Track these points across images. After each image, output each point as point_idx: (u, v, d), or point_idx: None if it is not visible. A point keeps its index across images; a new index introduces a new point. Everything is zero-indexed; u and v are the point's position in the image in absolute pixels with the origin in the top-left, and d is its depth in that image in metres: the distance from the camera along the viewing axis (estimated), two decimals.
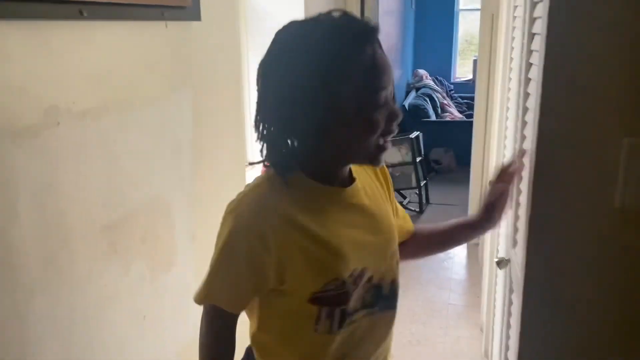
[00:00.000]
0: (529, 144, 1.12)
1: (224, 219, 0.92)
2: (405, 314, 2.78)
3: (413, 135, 4.25)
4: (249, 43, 2.60)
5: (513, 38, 1.78)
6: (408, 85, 6.56)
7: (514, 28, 1.75)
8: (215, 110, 1.73)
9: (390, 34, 5.41)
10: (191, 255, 1.58)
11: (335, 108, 0.86)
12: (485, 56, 3.24)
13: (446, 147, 5.35)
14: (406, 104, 5.63)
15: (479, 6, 3.63)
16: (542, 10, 0.96)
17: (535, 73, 1.03)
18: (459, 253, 3.62)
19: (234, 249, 0.92)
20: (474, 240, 3.62)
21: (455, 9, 7.09)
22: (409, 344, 2.57)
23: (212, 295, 0.95)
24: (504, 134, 1.96)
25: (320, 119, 0.87)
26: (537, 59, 0.97)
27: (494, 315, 2.08)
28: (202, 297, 0.95)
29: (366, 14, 3.61)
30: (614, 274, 0.92)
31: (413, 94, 6.02)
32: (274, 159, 0.93)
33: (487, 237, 2.93)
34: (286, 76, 0.87)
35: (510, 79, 1.83)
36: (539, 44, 0.97)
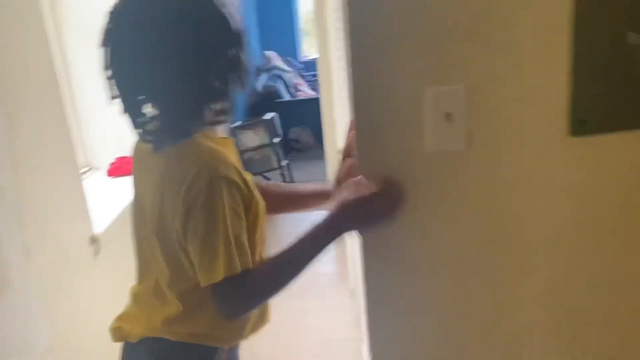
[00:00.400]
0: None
1: (209, 179, 0.98)
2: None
3: (268, 116, 4.27)
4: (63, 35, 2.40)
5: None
6: (258, 68, 6.56)
7: None
8: (33, 113, 1.58)
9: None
10: (29, 273, 1.44)
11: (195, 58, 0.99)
12: (322, 32, 3.32)
13: (303, 125, 5.46)
14: (259, 86, 5.63)
15: None
16: None
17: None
18: None
19: (234, 209, 1.01)
20: None
21: None
22: (289, 320, 2.61)
23: (234, 263, 1.00)
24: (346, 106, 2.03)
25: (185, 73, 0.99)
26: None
27: (359, 276, 2.18)
28: (226, 269, 0.98)
29: None
30: (428, 216, 0.99)
31: (264, 76, 6.03)
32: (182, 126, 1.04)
33: None
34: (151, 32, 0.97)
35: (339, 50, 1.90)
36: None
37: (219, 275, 0.99)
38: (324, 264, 3.16)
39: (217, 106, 1.06)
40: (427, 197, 0.98)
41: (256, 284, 1.04)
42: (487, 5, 0.88)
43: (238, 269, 1.00)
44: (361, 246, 1.03)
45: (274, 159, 4.25)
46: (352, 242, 2.45)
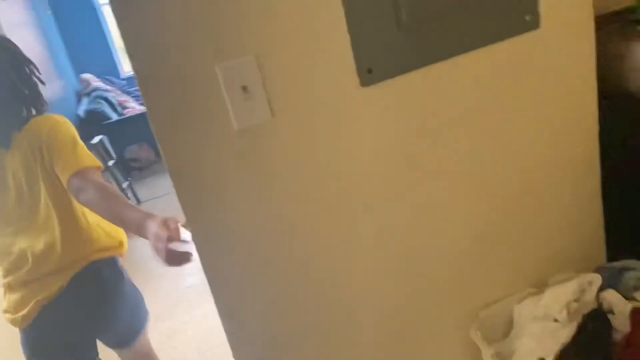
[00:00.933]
0: None
1: (62, 122, 1.57)
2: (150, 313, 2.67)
3: (95, 141, 3.99)
4: None
5: None
6: (77, 93, 6.10)
7: None
8: None
9: (32, 47, 4.89)
10: None
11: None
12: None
13: (139, 142, 5.20)
14: (80, 112, 5.24)
15: None
16: None
17: None
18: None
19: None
20: None
21: (95, 4, 6.75)
22: (163, 342, 2.48)
23: (94, 158, 1.54)
24: None
25: None
26: None
27: None
28: (89, 161, 1.51)
29: None
30: (257, 195, 0.99)
31: (85, 100, 5.62)
32: None
33: None
34: None
35: None
36: None
37: (83, 163, 1.47)
38: (188, 277, 3.05)
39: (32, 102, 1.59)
40: (246, 172, 0.98)
41: (103, 185, 1.44)
42: None
43: (98, 162, 1.53)
44: (192, 238, 1.00)
45: (113, 182, 4.00)
46: None
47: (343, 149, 1.02)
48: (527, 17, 1.07)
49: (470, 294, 1.22)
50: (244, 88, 0.93)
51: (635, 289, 1.17)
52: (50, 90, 5.00)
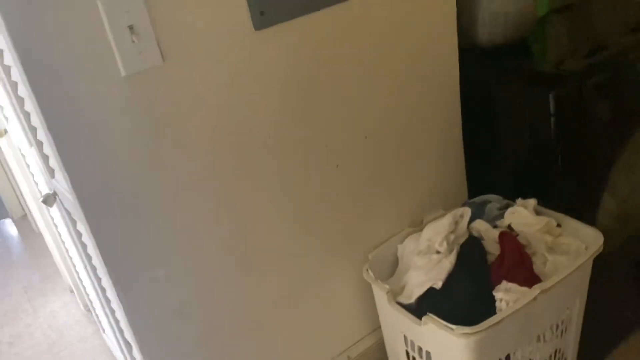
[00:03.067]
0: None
1: None
2: None
3: None
4: None
5: None
6: None
7: None
8: None
9: None
10: None
11: None
12: None
13: None
14: None
15: None
16: None
17: None
18: (9, 234, 3.18)
19: None
20: (19, 213, 3.23)
21: None
22: (4, 350, 2.17)
23: None
24: None
25: None
26: None
27: (74, 266, 1.93)
28: None
29: None
30: (149, 143, 0.91)
31: None
32: None
33: (30, 202, 2.64)
34: None
35: None
36: None
37: None
38: (25, 275, 2.71)
39: None
40: (135, 123, 0.89)
41: None
42: None
43: None
44: (80, 204, 0.88)
45: None
46: (50, 238, 2.14)
47: (237, 94, 0.98)
48: None
49: (359, 237, 1.27)
50: (131, 28, 0.84)
51: (496, 218, 1.33)
52: None
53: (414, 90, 1.26)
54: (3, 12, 0.75)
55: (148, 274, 0.97)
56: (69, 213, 1.24)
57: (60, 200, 1.24)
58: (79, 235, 1.28)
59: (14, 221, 3.28)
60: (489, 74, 1.37)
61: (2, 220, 3.32)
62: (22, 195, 2.94)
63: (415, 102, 1.27)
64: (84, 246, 1.30)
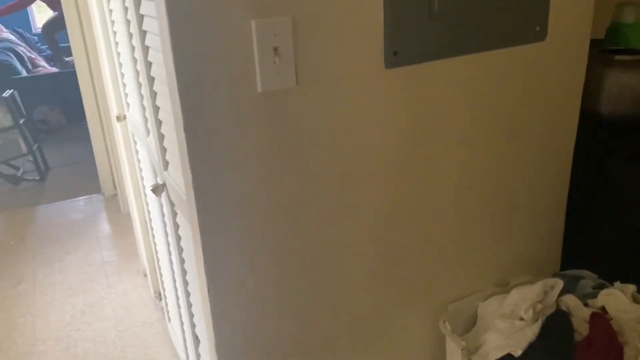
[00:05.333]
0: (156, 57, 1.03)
1: None
2: (59, 288, 2.47)
3: (7, 93, 3.62)
4: None
5: None
6: None
7: None
8: None
9: None
10: None
11: None
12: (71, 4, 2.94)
13: (49, 104, 4.80)
14: None
15: None
16: None
17: None
18: (98, 209, 3.38)
19: None
20: (111, 192, 3.43)
21: None
22: (74, 317, 2.30)
23: None
24: (121, 81, 1.83)
25: None
26: None
27: (156, 252, 2.02)
28: None
29: None
30: (271, 160, 0.96)
31: None
32: None
33: (127, 185, 2.80)
34: None
35: (113, 21, 1.69)
36: None
37: None
38: (103, 251, 2.86)
39: None
40: (262, 137, 0.93)
41: None
42: None
43: None
44: (196, 203, 0.93)
45: (22, 143, 3.64)
46: (139, 215, 2.26)
47: (355, 124, 1.01)
48: (537, 28, 1.12)
49: (440, 287, 1.26)
50: (275, 49, 0.89)
51: (588, 296, 1.27)
52: None
53: (527, 150, 1.24)
54: (173, 21, 0.81)
55: (239, 279, 1.01)
56: (172, 204, 1.32)
57: (167, 191, 1.31)
58: (177, 226, 1.34)
59: (104, 198, 3.49)
60: (607, 145, 1.33)
61: (94, 195, 3.54)
62: (118, 176, 3.13)
63: (525, 161, 1.25)
64: (178, 238, 1.37)
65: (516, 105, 1.18)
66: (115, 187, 3.36)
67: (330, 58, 0.94)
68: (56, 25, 5.11)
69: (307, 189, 1.00)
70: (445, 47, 1.03)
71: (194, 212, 0.95)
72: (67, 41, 3.11)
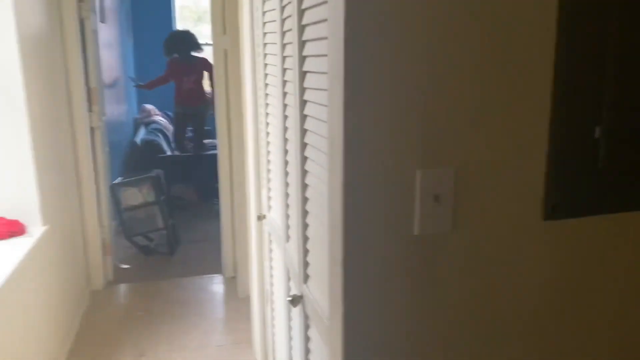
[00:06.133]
0: (316, 186, 1.12)
1: None
2: None
3: (153, 173, 4.02)
4: None
5: (266, 75, 1.81)
6: (135, 120, 6.24)
7: (266, 65, 1.78)
8: None
9: (113, 66, 5.08)
10: None
11: None
12: (222, 93, 3.28)
13: (186, 182, 5.24)
14: (138, 140, 5.33)
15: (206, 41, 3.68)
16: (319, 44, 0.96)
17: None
18: (217, 290, 3.55)
19: None
20: (231, 274, 3.60)
21: None
22: None
23: None
24: (265, 168, 1.98)
25: None
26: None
27: (273, 350, 2.06)
28: None
29: (87, 44, 3.32)
30: (420, 300, 0.97)
31: (143, 129, 5.73)
32: None
33: (246, 269, 2.93)
34: None
35: (267, 114, 1.85)
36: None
37: None
38: (220, 335, 2.97)
39: None
40: (413, 277, 0.96)
41: None
42: (487, 94, 0.92)
43: None
44: (343, 338, 0.96)
45: (159, 218, 3.98)
46: (259, 307, 2.33)
47: (505, 271, 1.00)
48: None
49: None
50: (436, 196, 0.93)
51: None
52: (117, 111, 5.14)
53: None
54: (348, 166, 0.89)
55: None
56: (306, 317, 1.36)
57: (304, 303, 1.36)
58: (308, 339, 1.38)
59: (224, 279, 3.66)
60: None
61: (215, 275, 3.72)
62: (239, 260, 3.29)
63: None
64: (307, 350, 1.39)
65: None
66: (234, 270, 3.52)
67: (488, 205, 0.97)
68: (185, 121, 5.60)
69: (451, 334, 1.00)
70: (612, 202, 1.01)
71: (339, 341, 0.97)
72: (211, 124, 3.45)
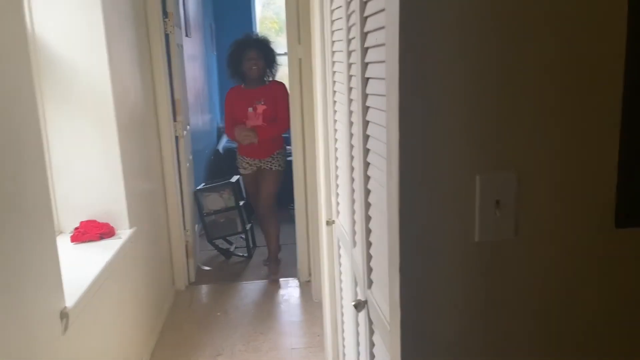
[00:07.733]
0: (377, 192, 1.13)
1: None
2: None
3: (234, 179, 4.18)
4: (44, 90, 2.29)
5: (334, 82, 1.84)
6: (219, 129, 6.51)
7: (335, 73, 1.81)
8: (11, 168, 1.45)
9: (197, 78, 5.33)
10: None
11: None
12: (297, 100, 3.35)
13: None
14: (220, 148, 5.55)
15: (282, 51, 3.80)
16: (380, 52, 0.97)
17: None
18: (292, 293, 3.61)
19: None
20: (306, 278, 3.65)
21: None
22: None
23: None
24: (334, 174, 2.00)
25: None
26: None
27: (344, 355, 2.07)
28: None
29: (172, 58, 3.52)
30: (479, 309, 0.95)
31: (225, 138, 5.97)
32: None
33: (319, 274, 2.97)
34: None
35: (335, 121, 1.88)
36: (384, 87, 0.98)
37: None
38: (292, 337, 3.02)
39: None
40: (474, 284, 0.94)
41: None
42: (554, 97, 0.89)
43: None
44: (401, 343, 0.96)
45: (238, 222, 4.13)
46: (330, 312, 2.35)
47: (577, 284, 0.96)
48: None
49: None
50: (497, 202, 0.91)
51: None
52: (201, 120, 5.39)
53: None
54: (404, 173, 0.89)
55: None
56: (370, 322, 1.36)
57: (368, 308, 1.37)
58: (372, 344, 1.38)
59: (299, 283, 3.73)
60: None
61: (290, 279, 3.80)
62: (314, 264, 3.34)
63: None
64: (372, 355, 1.40)
65: None
66: (309, 274, 3.58)
67: (553, 212, 0.93)
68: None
69: (510, 344, 0.97)
70: None
71: (397, 347, 0.97)
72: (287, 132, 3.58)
